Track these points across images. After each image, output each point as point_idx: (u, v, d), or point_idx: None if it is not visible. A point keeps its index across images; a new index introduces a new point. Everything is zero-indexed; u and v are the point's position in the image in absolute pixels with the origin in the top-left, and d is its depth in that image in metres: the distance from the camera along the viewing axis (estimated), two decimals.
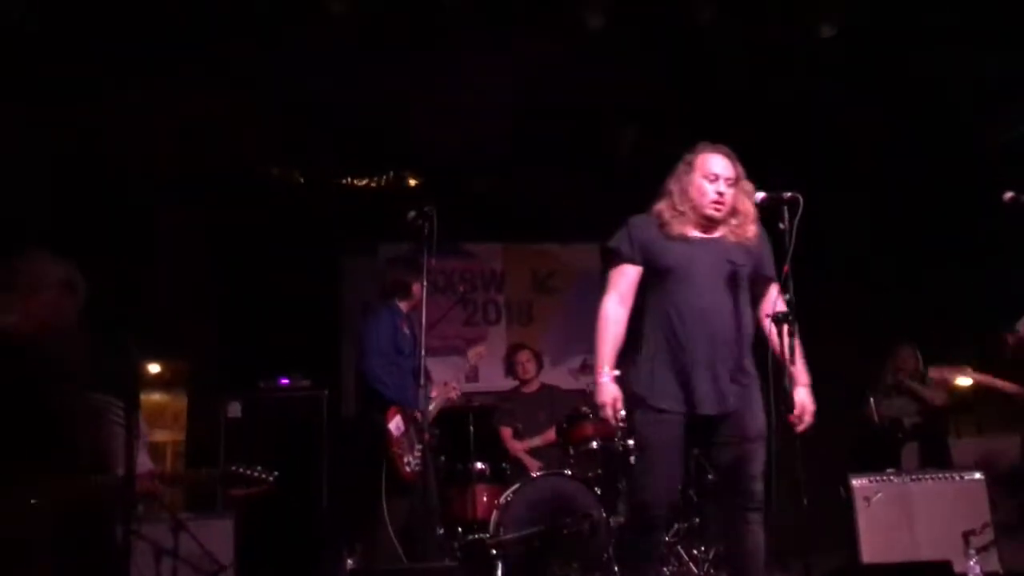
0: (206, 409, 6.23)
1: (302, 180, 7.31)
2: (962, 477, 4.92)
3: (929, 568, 3.67)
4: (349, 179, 7.45)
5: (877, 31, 5.25)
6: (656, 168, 6.71)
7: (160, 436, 7.60)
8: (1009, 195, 4.05)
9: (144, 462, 3.14)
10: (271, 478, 3.23)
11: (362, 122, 6.31)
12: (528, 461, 6.04)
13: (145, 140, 5.82)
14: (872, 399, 6.36)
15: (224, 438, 5.86)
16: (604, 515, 5.20)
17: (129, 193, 6.15)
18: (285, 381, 6.14)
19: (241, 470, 3.20)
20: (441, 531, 5.08)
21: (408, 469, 4.55)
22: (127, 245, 6.09)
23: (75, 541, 2.80)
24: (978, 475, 4.91)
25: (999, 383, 4.19)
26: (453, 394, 5.12)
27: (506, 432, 6.12)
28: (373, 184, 7.49)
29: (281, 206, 6.97)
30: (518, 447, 6.07)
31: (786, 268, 3.05)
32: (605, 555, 5.12)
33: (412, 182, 7.55)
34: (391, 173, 7.45)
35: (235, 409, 5.95)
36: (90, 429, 2.90)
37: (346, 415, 6.29)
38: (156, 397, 7.92)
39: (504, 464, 5.85)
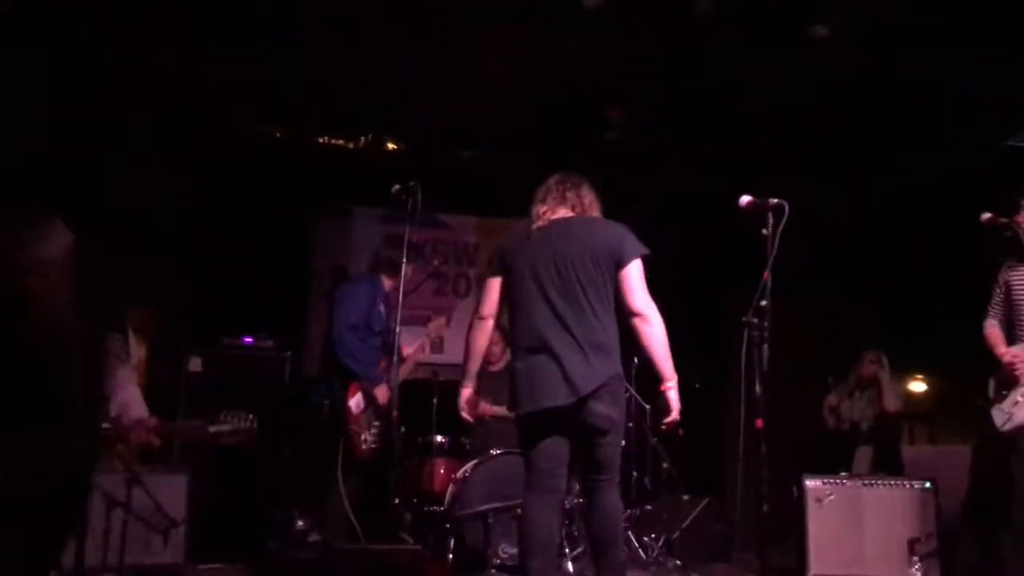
0: (166, 360, 6.16)
1: (278, 135, 7.20)
2: (912, 485, 5.01)
3: None
4: (327, 139, 7.34)
5: (869, 34, 5.25)
6: (637, 150, 6.77)
7: None
8: (986, 216, 4.12)
9: (140, 409, 3.10)
10: (254, 425, 3.40)
11: (343, 83, 6.21)
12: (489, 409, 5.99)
13: (122, 88, 5.67)
14: (827, 400, 6.46)
15: (184, 391, 5.81)
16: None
17: (100, 138, 6.01)
18: (249, 339, 6.09)
19: (229, 419, 3.31)
20: (396, 501, 5.08)
21: (364, 447, 4.55)
22: (96, 189, 5.96)
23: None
24: (927, 484, 5.00)
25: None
26: (424, 353, 5.14)
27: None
28: (351, 145, 7.39)
29: (256, 161, 6.85)
30: (485, 409, 6.03)
31: (766, 275, 3.07)
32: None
33: (391, 146, 7.46)
34: (369, 136, 7.36)
35: (196, 363, 5.90)
36: (95, 369, 2.87)
37: (309, 378, 6.25)
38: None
39: (464, 439, 5.86)
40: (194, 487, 5.08)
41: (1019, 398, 4.06)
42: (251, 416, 3.29)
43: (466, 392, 3.66)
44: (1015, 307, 4.20)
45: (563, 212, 3.56)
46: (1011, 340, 4.21)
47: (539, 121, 6.54)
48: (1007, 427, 4.09)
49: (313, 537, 5.57)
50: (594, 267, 3.40)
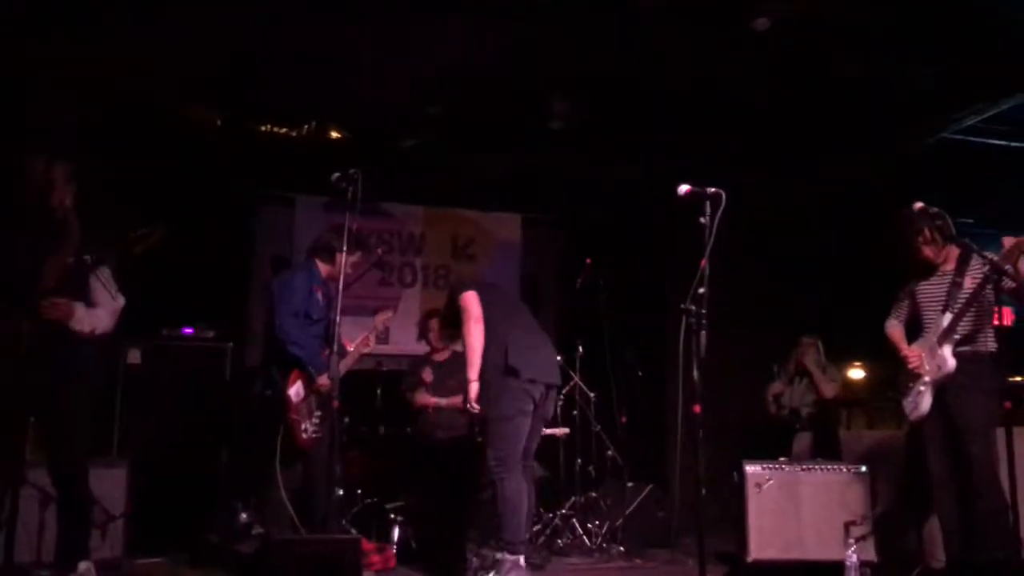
0: (104, 353, 6.02)
1: (219, 123, 7.07)
2: (848, 469, 5.12)
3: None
4: (269, 126, 7.24)
5: (812, 27, 5.33)
6: (585, 142, 6.79)
7: None
8: (918, 206, 4.24)
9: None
10: (164, 227, 3.98)
11: (288, 70, 6.13)
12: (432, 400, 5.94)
13: (58, 70, 5.52)
14: (771, 388, 6.57)
15: (122, 384, 5.71)
16: None
17: (33, 120, 5.85)
18: (188, 330, 5.99)
19: (139, 232, 3.99)
20: (340, 493, 5.05)
21: (305, 436, 4.48)
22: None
23: None
24: (863, 468, 5.11)
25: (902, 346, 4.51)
26: (368, 345, 5.10)
27: (420, 395, 6.02)
28: (294, 134, 7.30)
29: (196, 148, 6.73)
30: (429, 400, 5.99)
31: (703, 262, 3.10)
32: None
33: (335, 135, 7.39)
34: (313, 124, 7.28)
35: (135, 355, 5.80)
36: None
37: (249, 369, 6.17)
38: None
39: (408, 429, 5.83)
40: (133, 480, 5.00)
41: (920, 388, 4.31)
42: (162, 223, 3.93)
43: (475, 387, 4.39)
44: (920, 312, 4.46)
45: None
46: (914, 340, 4.49)
47: (483, 109, 6.53)
48: (913, 416, 4.36)
49: (256, 530, 5.51)
50: None
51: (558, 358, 4.80)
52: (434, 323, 6.09)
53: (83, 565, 3.82)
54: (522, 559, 4.17)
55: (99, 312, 3.96)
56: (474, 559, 4.82)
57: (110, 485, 4.84)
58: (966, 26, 5.29)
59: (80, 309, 3.86)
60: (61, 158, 3.91)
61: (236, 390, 5.85)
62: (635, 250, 7.30)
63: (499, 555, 4.21)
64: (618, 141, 6.84)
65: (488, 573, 4.19)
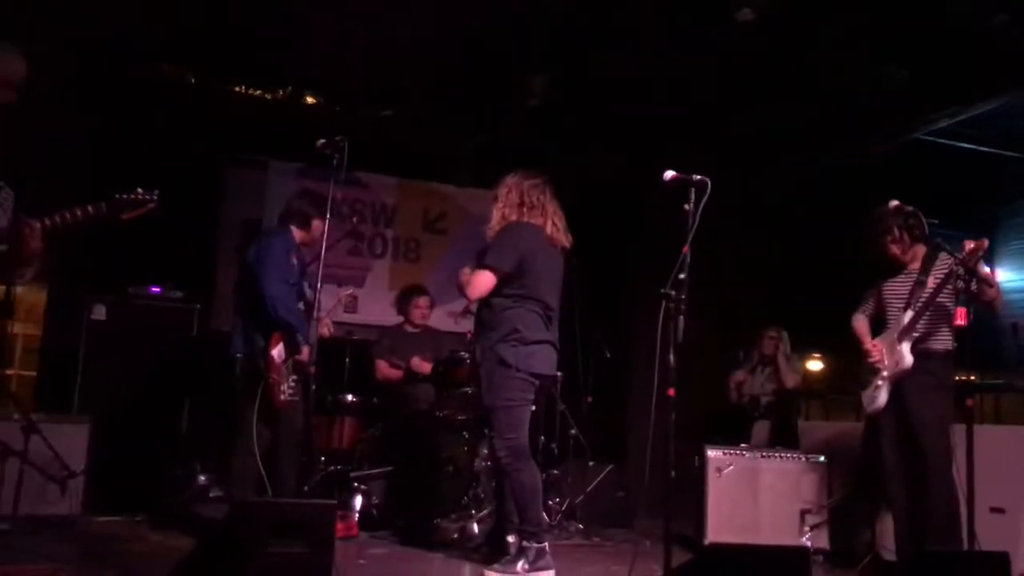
0: (67, 307, 5.94)
1: (193, 81, 6.96)
2: (807, 458, 5.23)
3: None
4: (244, 87, 7.13)
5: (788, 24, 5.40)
6: (561, 122, 6.79)
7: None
8: (893, 204, 4.33)
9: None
10: (155, 197, 3.46)
11: (266, 32, 6.06)
12: (399, 383, 6.00)
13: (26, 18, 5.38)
14: (734, 376, 6.68)
15: (85, 339, 5.63)
16: (469, 459, 5.30)
17: None
18: (156, 289, 5.93)
19: (126, 196, 3.42)
20: (304, 459, 5.03)
21: (283, 397, 4.42)
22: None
23: None
24: (821, 458, 5.23)
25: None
26: (325, 330, 4.92)
27: (381, 364, 6.04)
28: (269, 96, 7.20)
29: (168, 106, 6.62)
30: (392, 374, 6.03)
31: (685, 249, 3.14)
32: (464, 498, 5.22)
33: (310, 100, 7.30)
34: (289, 88, 7.19)
35: (100, 311, 5.72)
36: None
37: (216, 331, 6.11)
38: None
39: (375, 399, 5.83)
40: (95, 437, 4.96)
41: (879, 382, 4.43)
42: (141, 191, 3.47)
43: None
44: (884, 309, 4.56)
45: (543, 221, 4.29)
46: (877, 334, 4.58)
47: (460, 85, 6.50)
48: (870, 409, 4.49)
49: (215, 492, 5.48)
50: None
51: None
52: (422, 300, 6.12)
53: None
54: (547, 545, 4.06)
55: None
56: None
57: (71, 441, 4.81)
58: (940, 29, 5.38)
59: None
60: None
61: (202, 351, 5.80)
62: (602, 234, 7.33)
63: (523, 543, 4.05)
64: (587, 123, 6.87)
65: (517, 562, 3.98)
